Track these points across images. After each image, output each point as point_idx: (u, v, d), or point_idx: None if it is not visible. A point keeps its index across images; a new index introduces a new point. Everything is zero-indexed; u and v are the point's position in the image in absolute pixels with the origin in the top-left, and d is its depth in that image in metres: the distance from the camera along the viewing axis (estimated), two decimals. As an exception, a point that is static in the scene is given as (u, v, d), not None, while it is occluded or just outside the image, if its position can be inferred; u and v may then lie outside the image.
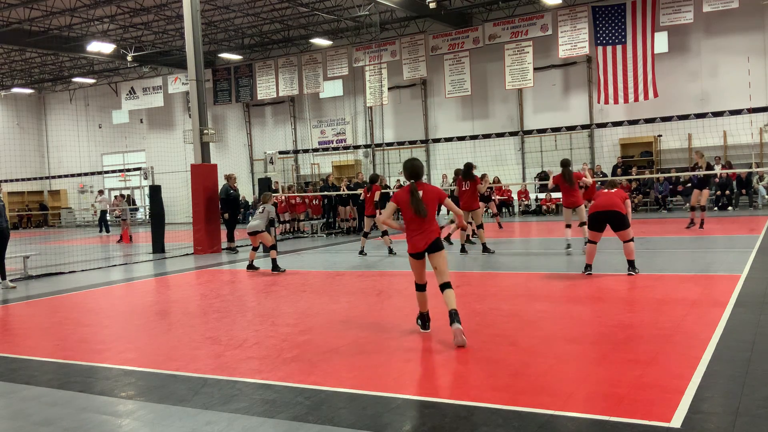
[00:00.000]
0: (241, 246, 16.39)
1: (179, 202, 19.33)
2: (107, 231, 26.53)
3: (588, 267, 9.45)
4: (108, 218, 27.44)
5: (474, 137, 18.99)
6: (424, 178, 27.28)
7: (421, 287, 6.43)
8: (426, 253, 6.24)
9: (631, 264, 9.26)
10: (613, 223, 9.15)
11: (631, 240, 9.24)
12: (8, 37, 25.23)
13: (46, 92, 38.61)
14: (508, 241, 15.02)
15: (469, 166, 12.99)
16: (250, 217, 12.18)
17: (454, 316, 5.89)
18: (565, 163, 12.25)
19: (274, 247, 12.12)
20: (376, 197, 14.04)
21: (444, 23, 25.51)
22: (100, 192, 28.65)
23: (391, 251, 13.48)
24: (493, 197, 20.09)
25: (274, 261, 11.88)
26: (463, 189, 12.90)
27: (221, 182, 16.95)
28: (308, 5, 24.49)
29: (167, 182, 19.29)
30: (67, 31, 26.51)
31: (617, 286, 8.46)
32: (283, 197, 20.36)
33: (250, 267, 12.19)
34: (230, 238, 16.45)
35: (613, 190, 9.43)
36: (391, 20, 26.47)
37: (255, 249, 12.40)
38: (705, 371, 4.75)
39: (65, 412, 4.71)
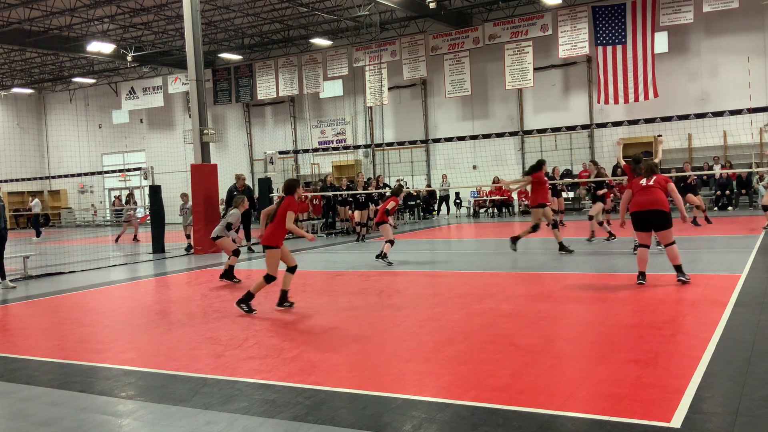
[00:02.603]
0: (256, 243, 16.30)
1: (179, 202, 19.27)
2: (37, 235, 25.93)
3: (641, 275, 8.38)
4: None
5: (474, 137, 19.01)
6: (424, 178, 27.52)
7: (290, 269, 8.12)
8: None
9: (678, 269, 8.24)
10: (655, 223, 8.26)
11: (673, 243, 8.19)
12: (8, 37, 25.21)
13: (46, 92, 38.59)
14: (507, 241, 14.98)
15: (539, 162, 12.77)
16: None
17: (280, 295, 8.08)
18: (638, 160, 10.57)
19: (235, 253, 11.05)
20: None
21: (444, 23, 25.51)
22: (33, 196, 28.00)
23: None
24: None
25: (229, 268, 10.90)
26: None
27: (222, 182, 16.94)
28: (308, 5, 24.48)
29: (167, 182, 19.26)
30: (67, 31, 26.50)
31: (617, 286, 8.46)
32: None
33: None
34: (247, 237, 16.38)
35: (651, 182, 8.41)
36: (391, 20, 26.46)
37: (235, 254, 11.26)
38: (705, 371, 4.75)
39: (65, 412, 4.71)
